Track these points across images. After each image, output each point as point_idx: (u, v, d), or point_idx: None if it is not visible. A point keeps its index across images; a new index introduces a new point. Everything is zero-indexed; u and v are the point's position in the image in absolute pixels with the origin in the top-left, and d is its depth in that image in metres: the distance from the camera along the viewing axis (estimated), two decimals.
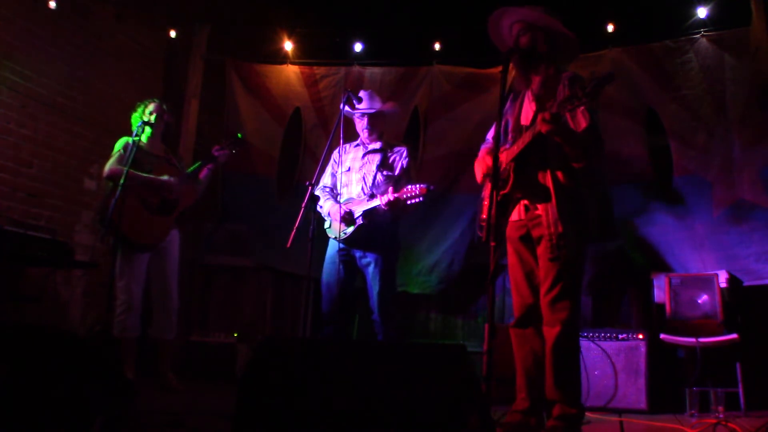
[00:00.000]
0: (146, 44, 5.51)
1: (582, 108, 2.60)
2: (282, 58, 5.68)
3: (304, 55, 5.71)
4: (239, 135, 4.37)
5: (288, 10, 6.19)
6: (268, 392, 2.13)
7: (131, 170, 3.61)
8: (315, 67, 5.67)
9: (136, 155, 3.68)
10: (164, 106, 4.15)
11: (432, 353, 2.20)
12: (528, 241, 2.88)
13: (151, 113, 4.03)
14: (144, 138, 4.01)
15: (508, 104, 2.97)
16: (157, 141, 4.15)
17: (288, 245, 3.43)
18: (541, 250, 2.77)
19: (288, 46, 5.63)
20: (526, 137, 2.73)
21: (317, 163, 3.80)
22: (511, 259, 2.96)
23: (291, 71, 5.69)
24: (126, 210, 3.66)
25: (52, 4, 4.50)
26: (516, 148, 2.79)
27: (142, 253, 3.94)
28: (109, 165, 3.89)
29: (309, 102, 5.69)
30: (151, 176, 3.92)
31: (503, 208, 2.84)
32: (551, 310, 2.74)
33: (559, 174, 2.75)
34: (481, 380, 2.24)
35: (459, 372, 2.08)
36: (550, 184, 2.74)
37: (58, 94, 4.69)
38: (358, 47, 5.60)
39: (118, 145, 4.00)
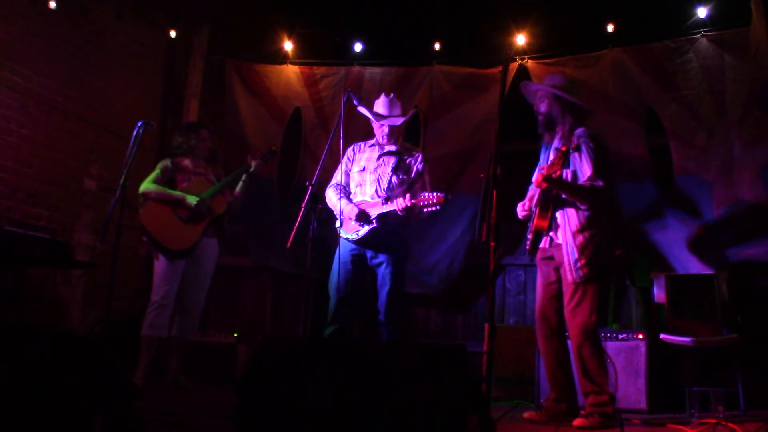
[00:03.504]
0: (146, 44, 5.51)
1: (587, 155, 3.28)
2: (282, 58, 5.67)
3: (304, 55, 5.70)
4: (273, 148, 4.52)
5: (288, 10, 6.18)
6: (268, 392, 2.13)
7: (160, 189, 4.15)
8: (315, 67, 5.67)
9: (176, 173, 4.24)
10: (209, 132, 4.49)
11: (432, 353, 2.20)
12: (550, 263, 3.50)
13: (202, 140, 4.35)
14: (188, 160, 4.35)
15: (542, 151, 3.61)
16: (201, 161, 4.38)
17: (288, 245, 3.43)
18: (563, 272, 3.38)
19: (288, 46, 5.62)
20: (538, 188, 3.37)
21: (317, 163, 3.79)
22: (538, 275, 3.60)
23: (291, 71, 5.69)
24: (160, 220, 4.15)
25: (52, 4, 4.50)
26: (536, 196, 3.43)
27: (178, 259, 4.14)
28: (144, 186, 4.19)
29: (309, 102, 5.69)
30: (171, 193, 4.17)
31: (537, 239, 3.46)
32: (572, 318, 3.33)
33: (572, 212, 3.35)
34: (481, 380, 2.24)
35: (459, 372, 2.08)
36: (566, 221, 3.35)
37: (58, 94, 4.69)
38: (358, 47, 5.59)
39: (159, 166, 4.27)
